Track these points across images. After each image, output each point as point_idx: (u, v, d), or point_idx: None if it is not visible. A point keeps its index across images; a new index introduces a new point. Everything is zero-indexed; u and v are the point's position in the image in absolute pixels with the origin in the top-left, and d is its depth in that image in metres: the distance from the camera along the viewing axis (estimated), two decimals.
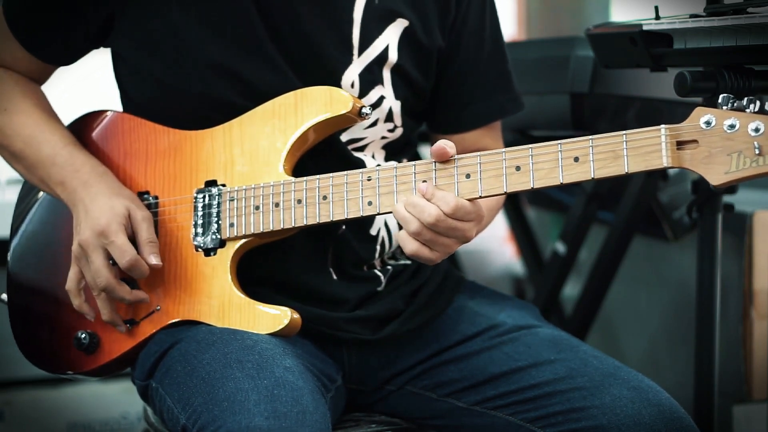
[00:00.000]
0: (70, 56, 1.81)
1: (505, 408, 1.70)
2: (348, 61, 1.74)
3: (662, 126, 1.45)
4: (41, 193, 1.84)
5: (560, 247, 2.77)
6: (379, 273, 1.80)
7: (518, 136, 2.57)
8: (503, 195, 1.57)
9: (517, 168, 1.53)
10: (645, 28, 1.78)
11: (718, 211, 2.08)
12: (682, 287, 2.82)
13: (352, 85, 1.74)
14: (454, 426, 1.76)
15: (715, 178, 1.43)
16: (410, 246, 1.57)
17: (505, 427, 1.70)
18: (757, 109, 1.41)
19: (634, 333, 3.08)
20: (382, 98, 1.77)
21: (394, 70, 1.77)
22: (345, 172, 1.62)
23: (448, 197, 1.54)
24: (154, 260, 1.67)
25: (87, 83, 2.53)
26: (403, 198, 1.57)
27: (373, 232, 1.79)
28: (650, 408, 1.59)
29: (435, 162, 1.57)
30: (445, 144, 1.56)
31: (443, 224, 1.54)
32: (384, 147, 1.81)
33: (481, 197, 1.56)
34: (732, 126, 1.41)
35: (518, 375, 1.70)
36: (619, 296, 2.99)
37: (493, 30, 1.88)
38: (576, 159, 1.50)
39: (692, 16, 1.73)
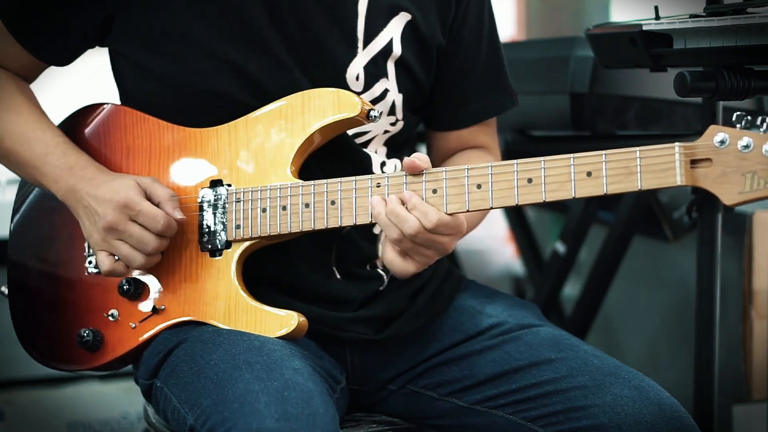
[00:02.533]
0: (67, 56, 1.81)
1: (506, 407, 1.70)
2: (353, 54, 1.74)
3: (676, 144, 1.45)
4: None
5: (560, 247, 2.77)
6: (381, 272, 1.81)
7: (518, 135, 2.57)
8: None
9: (529, 180, 1.53)
10: (645, 28, 1.78)
11: (717, 211, 2.08)
12: (682, 287, 2.83)
13: (357, 78, 1.75)
14: (455, 425, 1.76)
15: (729, 198, 1.42)
16: (389, 254, 1.59)
17: (506, 426, 1.70)
18: (767, 129, 1.41)
19: (634, 333, 3.08)
20: (386, 91, 1.78)
21: (398, 63, 1.78)
22: (354, 178, 1.62)
23: (430, 213, 1.55)
24: (178, 215, 1.67)
25: (87, 83, 2.53)
26: (384, 203, 1.58)
27: (376, 230, 1.79)
28: (651, 407, 1.60)
29: (446, 171, 1.57)
30: (416, 157, 1.58)
31: (423, 236, 1.55)
32: (386, 143, 1.81)
33: (491, 208, 1.56)
34: (746, 146, 1.41)
35: (519, 374, 1.70)
36: (619, 296, 2.99)
37: (490, 28, 1.89)
38: (589, 174, 1.49)
39: (692, 16, 1.73)
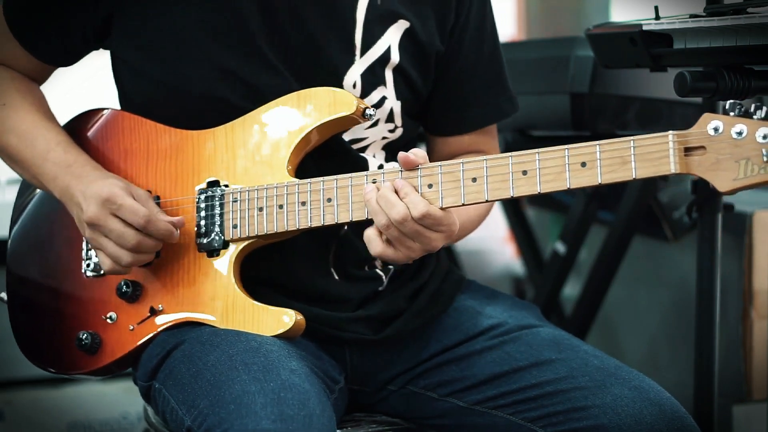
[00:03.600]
0: (69, 57, 1.81)
1: (506, 407, 1.70)
2: (350, 62, 1.74)
3: (670, 132, 1.45)
4: (38, 190, 1.84)
5: (560, 247, 2.77)
6: (380, 273, 1.81)
7: (518, 135, 2.57)
8: (507, 199, 1.57)
9: (524, 172, 1.53)
10: (645, 28, 1.78)
11: (718, 211, 2.09)
12: (682, 287, 2.83)
13: (354, 86, 1.75)
14: (456, 425, 1.76)
15: (723, 184, 1.43)
16: (376, 243, 1.58)
17: (507, 426, 1.70)
18: (763, 116, 1.41)
19: (634, 333, 3.08)
20: (383, 99, 1.77)
21: (396, 71, 1.78)
22: (349, 174, 1.62)
23: (419, 203, 1.55)
24: (164, 217, 1.66)
25: (88, 84, 2.53)
26: (376, 190, 1.57)
27: None
28: (651, 407, 1.60)
29: (441, 165, 1.57)
30: (413, 152, 1.57)
31: (409, 226, 1.55)
32: (384, 147, 1.81)
33: (487, 201, 1.56)
34: (740, 133, 1.41)
35: (519, 374, 1.70)
36: (619, 296, 2.99)
37: (491, 33, 1.88)
38: (583, 164, 1.50)
39: (692, 16, 1.73)
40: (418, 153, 1.58)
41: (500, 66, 1.90)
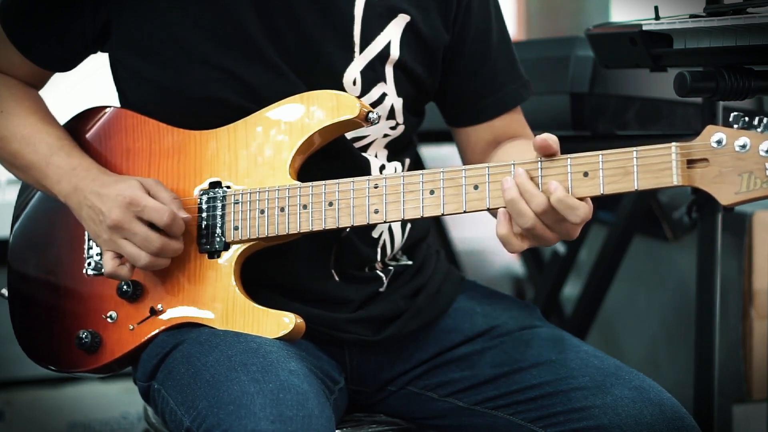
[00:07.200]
0: (67, 62, 1.81)
1: (506, 408, 1.70)
2: (349, 59, 1.74)
3: (673, 144, 1.45)
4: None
5: (560, 247, 2.77)
6: (380, 273, 1.80)
7: None
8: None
9: None
10: (645, 28, 1.78)
11: (717, 211, 2.09)
12: (682, 287, 2.83)
13: (354, 83, 1.74)
14: (456, 426, 1.76)
15: (726, 198, 1.43)
16: (513, 242, 1.52)
17: (507, 426, 1.70)
18: (764, 129, 1.40)
19: (634, 333, 3.08)
20: (384, 95, 1.77)
21: (397, 67, 1.77)
22: (351, 179, 1.62)
23: (558, 188, 1.49)
24: (183, 214, 1.66)
25: (87, 85, 2.53)
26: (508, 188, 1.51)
27: (375, 235, 1.79)
28: (652, 408, 1.59)
29: (443, 171, 1.56)
30: (548, 137, 1.50)
31: (551, 216, 1.50)
32: (387, 146, 1.80)
33: (488, 209, 1.55)
34: (743, 146, 1.41)
35: (519, 375, 1.70)
36: (619, 296, 2.99)
37: (497, 18, 1.87)
38: (585, 174, 1.50)
39: (692, 16, 1.73)
40: (553, 137, 1.51)
41: (511, 53, 1.88)
